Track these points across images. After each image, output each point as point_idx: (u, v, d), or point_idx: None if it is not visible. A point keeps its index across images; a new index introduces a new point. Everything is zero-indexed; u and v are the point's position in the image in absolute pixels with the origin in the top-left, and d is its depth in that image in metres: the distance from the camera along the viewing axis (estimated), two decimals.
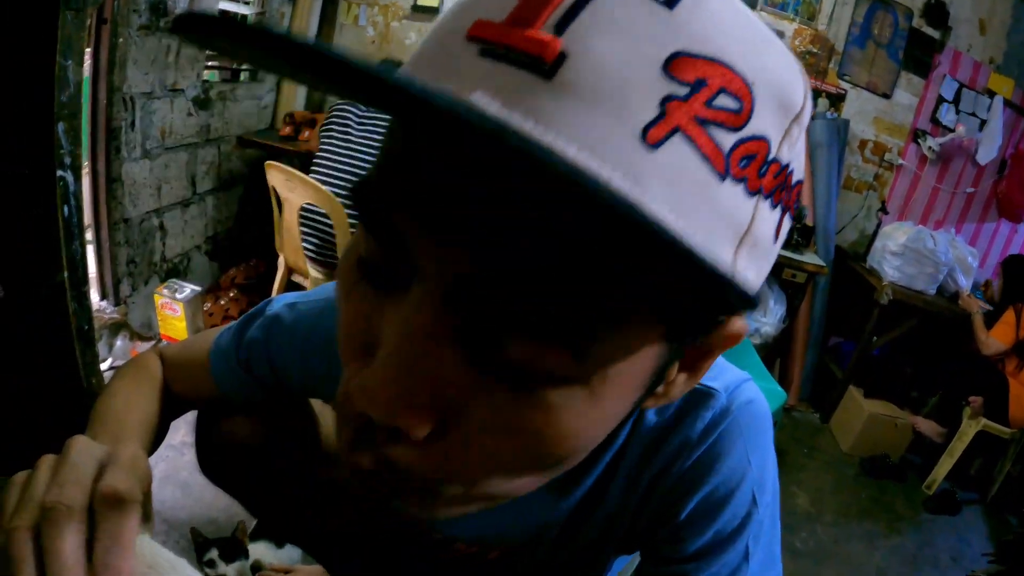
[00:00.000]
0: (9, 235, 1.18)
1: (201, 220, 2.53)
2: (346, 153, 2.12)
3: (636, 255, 0.25)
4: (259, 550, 1.37)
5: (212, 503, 1.55)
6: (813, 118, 3.19)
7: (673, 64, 0.25)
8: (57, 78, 1.10)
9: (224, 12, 2.40)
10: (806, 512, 2.38)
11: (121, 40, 1.79)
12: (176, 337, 2.18)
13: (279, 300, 0.72)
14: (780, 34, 2.90)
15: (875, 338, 3.12)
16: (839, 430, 3.08)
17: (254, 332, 0.70)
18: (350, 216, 1.97)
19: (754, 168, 0.27)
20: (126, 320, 2.07)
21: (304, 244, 2.12)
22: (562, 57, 0.25)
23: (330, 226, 2.01)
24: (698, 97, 0.25)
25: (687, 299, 0.30)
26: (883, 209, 3.47)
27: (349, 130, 2.14)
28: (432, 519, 0.37)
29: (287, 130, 2.77)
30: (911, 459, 2.95)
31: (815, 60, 3.27)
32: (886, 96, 3.36)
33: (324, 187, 1.96)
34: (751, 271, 0.30)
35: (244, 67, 2.68)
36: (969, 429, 2.70)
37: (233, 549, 1.32)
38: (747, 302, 0.24)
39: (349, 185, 2.02)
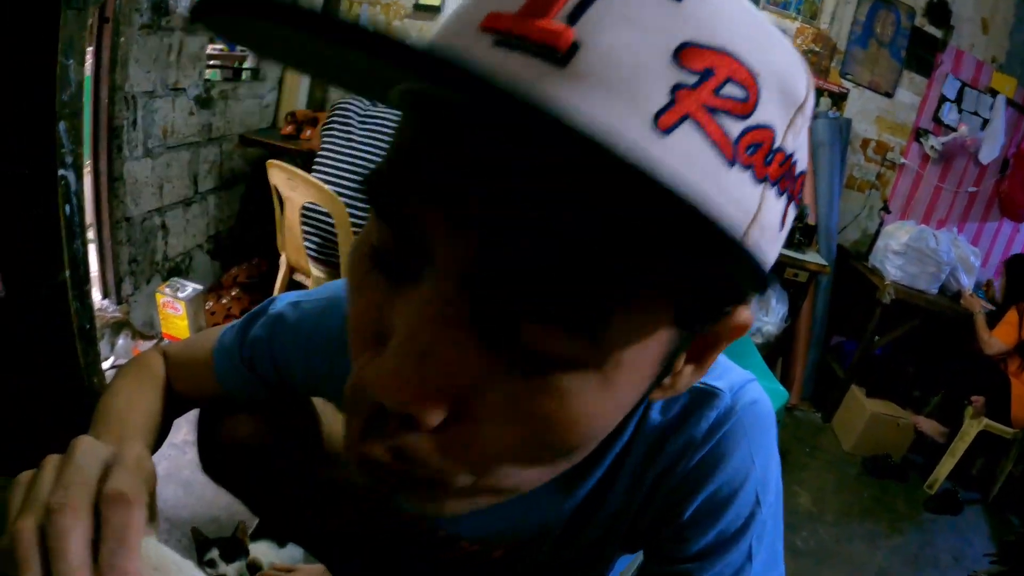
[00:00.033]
0: (11, 234, 1.18)
1: (203, 219, 2.53)
2: (348, 151, 2.12)
3: (653, 230, 0.25)
4: (261, 549, 1.37)
5: (213, 502, 1.55)
6: (815, 117, 3.19)
7: (682, 54, 0.26)
8: (58, 77, 1.10)
9: None
10: (808, 511, 2.38)
11: (123, 39, 1.79)
12: (178, 336, 2.18)
13: (282, 299, 0.72)
14: (782, 32, 2.88)
15: (877, 337, 3.12)
16: (841, 429, 3.08)
17: (257, 330, 0.70)
18: (352, 215, 1.97)
19: (760, 156, 0.28)
20: (128, 319, 2.07)
21: (306, 243, 2.12)
22: (575, 46, 0.25)
23: (332, 225, 2.01)
24: (706, 86, 0.26)
25: (699, 278, 0.30)
26: (885, 208, 3.46)
27: (351, 128, 2.14)
28: (438, 515, 0.37)
29: (289, 129, 2.77)
30: (913, 459, 2.94)
31: (817, 59, 3.27)
32: (888, 95, 3.35)
33: (326, 186, 1.96)
34: (759, 256, 0.31)
35: (246, 66, 2.68)
36: (971, 429, 2.69)
37: (234, 549, 1.32)
38: (758, 277, 0.24)
39: (351, 184, 2.05)
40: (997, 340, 2.77)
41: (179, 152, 2.25)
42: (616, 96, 0.25)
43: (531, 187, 0.26)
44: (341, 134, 2.15)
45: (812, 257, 2.93)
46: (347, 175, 2.09)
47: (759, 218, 0.29)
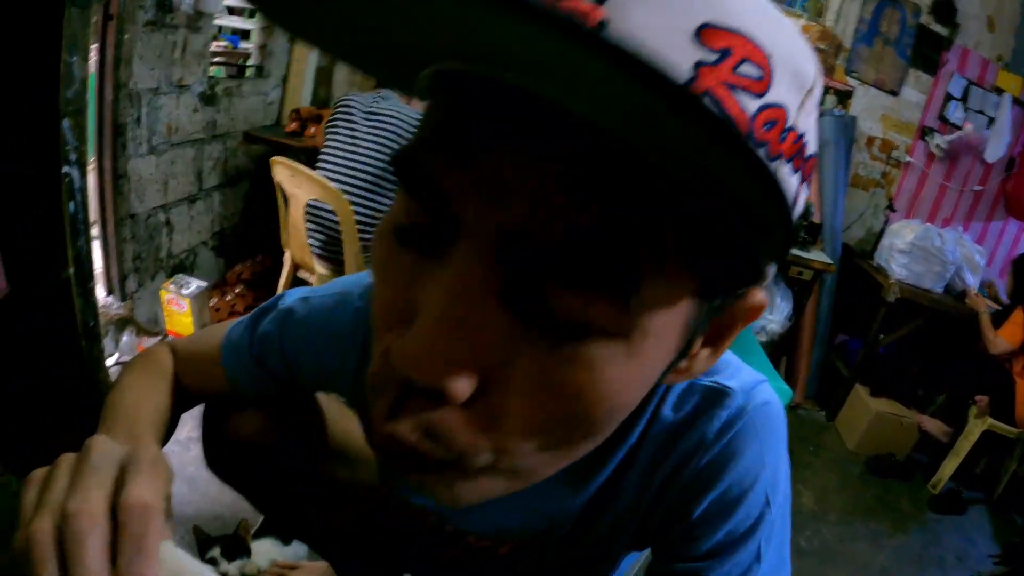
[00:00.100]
0: (15, 231, 1.18)
1: (207, 216, 2.53)
2: (352, 148, 2.11)
3: (687, 178, 0.26)
4: (265, 546, 1.37)
5: (217, 499, 1.55)
6: (821, 115, 3.18)
7: (702, 33, 0.26)
8: (62, 74, 1.09)
9: (231, 9, 2.39)
10: (811, 511, 2.38)
11: (127, 36, 1.79)
12: (182, 333, 2.18)
13: (292, 294, 0.72)
14: None
15: (882, 336, 3.12)
16: (845, 428, 3.08)
17: (267, 326, 0.70)
18: (357, 212, 1.97)
19: (775, 133, 0.29)
20: (132, 316, 2.07)
21: (310, 240, 2.12)
22: (602, 25, 0.26)
23: (336, 222, 2.01)
24: (726, 64, 0.27)
25: (726, 236, 0.30)
26: (890, 207, 3.45)
27: (355, 125, 2.14)
28: (453, 503, 0.37)
29: (293, 126, 2.76)
30: (917, 458, 2.94)
31: (823, 57, 3.25)
32: (894, 93, 3.34)
33: (330, 183, 1.96)
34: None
35: (250, 63, 2.68)
36: (975, 428, 2.69)
37: (235, 547, 1.32)
38: (784, 209, 0.24)
39: (356, 181, 2.05)
40: (1002, 340, 2.76)
41: (183, 149, 2.25)
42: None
43: (568, 151, 0.27)
44: (345, 131, 2.14)
45: (817, 255, 2.92)
46: (351, 172, 2.09)
47: None
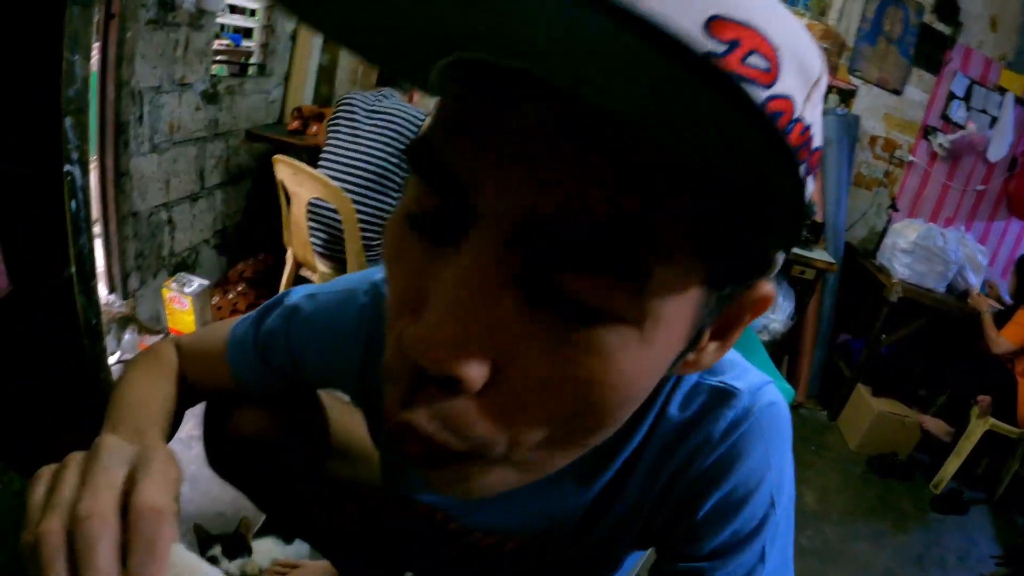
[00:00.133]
0: (17, 230, 1.18)
1: (209, 214, 2.53)
2: (354, 147, 2.11)
3: (702, 160, 0.26)
4: (267, 545, 1.37)
5: (219, 497, 1.55)
6: (824, 114, 3.16)
7: (712, 25, 0.27)
8: (64, 73, 1.09)
9: (233, 8, 2.39)
10: (813, 510, 2.38)
11: (129, 34, 1.79)
12: (184, 332, 2.18)
13: (297, 291, 0.72)
14: None
15: (884, 336, 3.11)
16: (847, 428, 3.07)
17: (272, 322, 0.70)
18: (359, 211, 1.97)
19: (783, 123, 0.29)
20: (134, 314, 2.07)
21: (312, 239, 2.12)
22: None
23: (338, 221, 2.01)
24: (735, 54, 0.27)
25: (736, 220, 0.30)
26: (893, 206, 3.45)
27: (357, 124, 2.13)
28: (463, 496, 0.37)
29: (295, 124, 2.76)
30: (919, 458, 2.94)
31: (825, 55, 3.24)
32: (897, 92, 3.34)
33: (332, 182, 1.96)
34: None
35: (252, 62, 2.68)
36: (977, 428, 2.68)
37: (237, 546, 1.32)
38: (796, 180, 0.24)
39: (358, 179, 2.05)
40: (1005, 340, 2.76)
41: (185, 147, 2.25)
42: None
43: (584, 136, 0.27)
44: (347, 129, 2.14)
45: (819, 255, 2.92)
46: (353, 170, 2.09)
47: None
